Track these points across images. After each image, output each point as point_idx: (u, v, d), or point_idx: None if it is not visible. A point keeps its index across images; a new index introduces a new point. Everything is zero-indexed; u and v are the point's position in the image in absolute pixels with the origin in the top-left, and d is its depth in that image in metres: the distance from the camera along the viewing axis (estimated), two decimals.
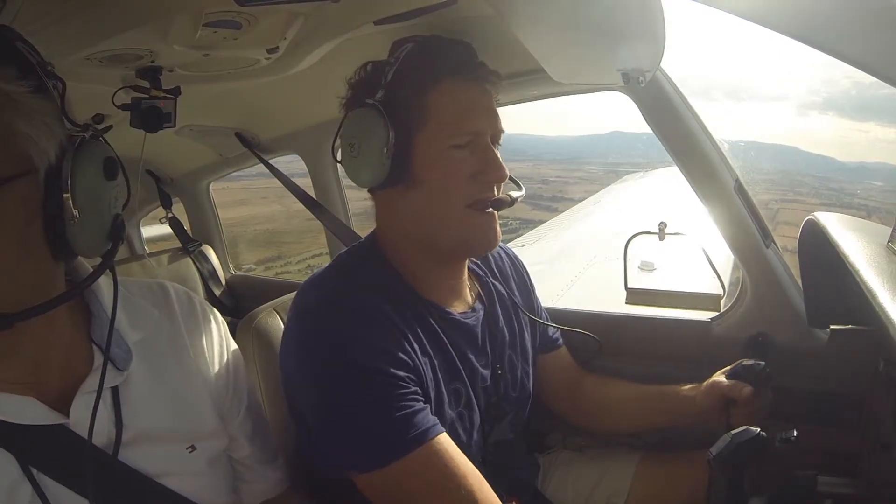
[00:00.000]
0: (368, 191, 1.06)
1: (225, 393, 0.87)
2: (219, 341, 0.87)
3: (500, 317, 1.14)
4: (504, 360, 1.12)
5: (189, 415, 0.80)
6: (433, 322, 1.00)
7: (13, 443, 0.65)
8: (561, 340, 1.33)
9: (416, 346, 0.94)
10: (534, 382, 1.19)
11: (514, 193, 1.05)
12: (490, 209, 0.99)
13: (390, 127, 0.94)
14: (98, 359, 0.72)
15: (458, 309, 1.07)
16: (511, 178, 1.12)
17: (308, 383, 0.92)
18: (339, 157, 1.03)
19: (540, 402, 1.28)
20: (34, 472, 0.66)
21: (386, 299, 0.95)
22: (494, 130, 1.01)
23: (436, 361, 0.97)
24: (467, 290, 1.11)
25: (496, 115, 1.02)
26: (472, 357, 1.05)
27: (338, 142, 1.04)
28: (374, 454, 0.85)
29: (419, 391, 0.90)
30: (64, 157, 0.62)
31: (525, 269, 1.28)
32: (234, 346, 0.91)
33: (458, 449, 0.88)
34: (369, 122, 0.95)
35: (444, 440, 0.87)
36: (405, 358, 0.90)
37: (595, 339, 1.35)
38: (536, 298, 1.28)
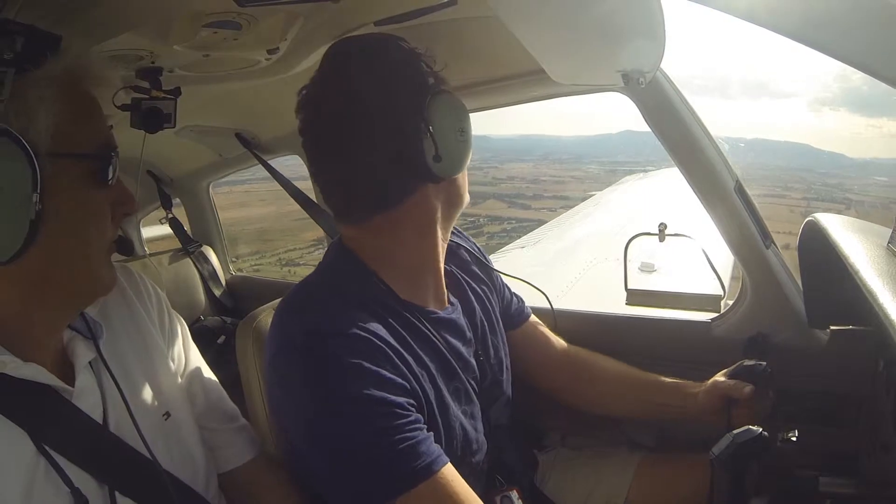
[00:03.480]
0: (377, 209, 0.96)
1: (173, 352, 0.91)
2: (158, 304, 0.93)
3: (476, 305, 1.14)
4: (488, 347, 1.12)
5: (156, 379, 0.85)
6: (422, 326, 0.98)
7: (25, 418, 0.68)
8: (527, 312, 1.32)
9: (410, 360, 0.91)
10: (511, 360, 1.19)
11: None
12: None
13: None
14: (67, 332, 0.78)
15: (439, 306, 1.05)
16: None
17: (304, 419, 0.88)
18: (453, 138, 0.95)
19: (532, 388, 1.27)
20: (47, 448, 0.68)
21: (370, 313, 0.91)
22: None
23: (432, 368, 0.95)
24: (444, 287, 1.09)
25: None
26: (462, 351, 1.04)
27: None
28: (380, 488, 0.83)
29: (421, 418, 0.87)
30: None
31: (479, 248, 1.27)
32: (174, 312, 0.96)
33: (462, 480, 0.86)
34: (461, 107, 0.97)
35: (450, 470, 0.85)
36: (402, 382, 0.87)
37: (540, 291, 1.37)
38: (497, 276, 1.27)
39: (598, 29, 0.93)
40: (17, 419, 0.67)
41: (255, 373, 1.10)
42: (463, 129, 0.96)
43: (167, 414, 0.83)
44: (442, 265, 1.06)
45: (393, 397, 0.84)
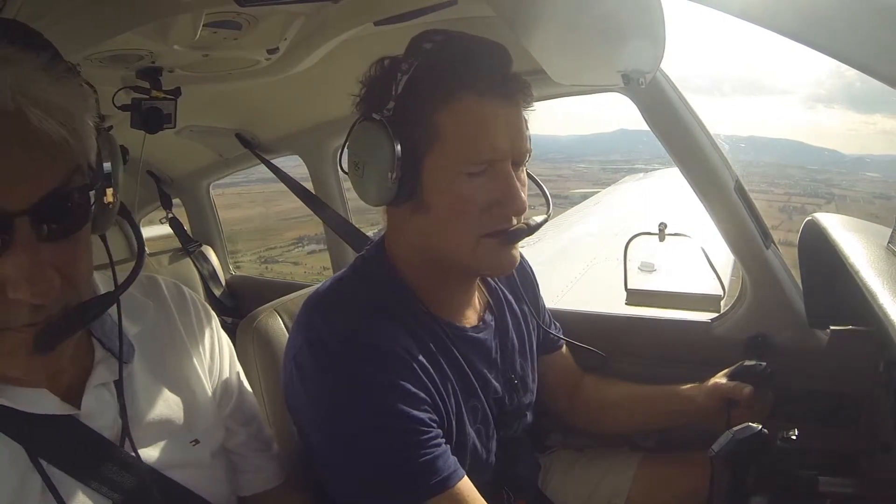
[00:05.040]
0: None
1: (218, 381, 0.88)
2: (209, 331, 0.89)
3: (511, 325, 1.12)
4: (516, 369, 1.10)
5: (189, 405, 0.81)
6: (448, 341, 0.97)
7: (22, 434, 0.66)
8: (561, 342, 1.32)
9: (435, 375, 0.90)
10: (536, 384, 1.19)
11: (537, 218, 0.96)
12: (504, 241, 0.92)
13: (397, 148, 0.86)
14: (100, 352, 0.73)
15: (469, 322, 1.04)
16: (545, 197, 1.07)
17: (324, 421, 0.88)
18: (346, 168, 0.96)
19: (540, 401, 1.28)
20: (43, 463, 0.67)
21: (401, 324, 0.91)
22: (517, 153, 0.90)
23: (454, 382, 0.95)
24: (477, 302, 1.08)
25: (521, 136, 0.91)
26: (485, 371, 1.03)
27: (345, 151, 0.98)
28: (395, 497, 0.84)
29: (440, 433, 0.87)
30: (100, 148, 0.63)
31: (531, 268, 1.27)
32: (224, 335, 0.92)
33: (477, 494, 0.87)
34: (375, 140, 0.87)
35: (465, 486, 0.86)
36: (425, 397, 0.87)
37: (600, 354, 1.33)
38: (541, 298, 1.27)
39: (599, 29, 0.93)
40: (12, 434, 0.65)
41: (256, 372, 1.10)
42: (358, 164, 0.91)
43: (196, 441, 0.80)
44: (474, 285, 1.05)
45: (416, 413, 0.84)
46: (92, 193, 0.61)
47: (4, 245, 0.55)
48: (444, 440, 0.87)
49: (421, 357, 0.89)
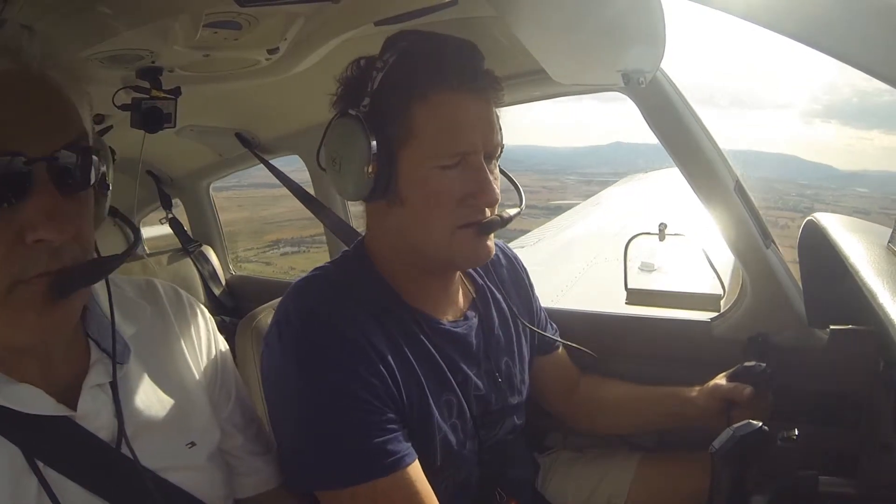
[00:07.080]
0: None
1: (215, 384, 0.88)
2: (206, 335, 0.89)
3: (497, 323, 1.12)
4: (501, 367, 1.10)
5: (185, 407, 0.81)
6: (421, 334, 0.98)
7: (19, 435, 0.66)
8: (558, 343, 1.31)
9: (395, 365, 0.91)
10: (529, 385, 1.18)
11: (511, 211, 1.00)
12: (479, 233, 0.94)
13: (372, 142, 0.88)
14: (95, 353, 0.74)
15: (449, 317, 1.04)
16: (517, 190, 1.10)
17: (284, 398, 0.91)
18: (324, 165, 0.99)
19: (539, 402, 1.27)
20: (40, 464, 0.67)
21: (371, 313, 0.93)
22: (489, 147, 0.93)
23: (422, 376, 0.95)
24: (460, 298, 1.09)
25: (492, 130, 0.94)
26: (463, 366, 1.03)
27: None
28: (346, 474, 0.85)
29: (395, 417, 0.89)
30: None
31: (525, 269, 1.26)
32: (221, 339, 0.92)
33: (425, 479, 0.89)
34: (351, 135, 0.90)
35: (415, 469, 0.88)
36: (380, 384, 0.88)
37: (591, 354, 1.32)
38: (536, 299, 1.26)
39: (599, 29, 0.94)
40: (8, 435, 0.65)
41: (255, 372, 1.11)
42: (335, 159, 0.95)
43: (192, 444, 0.80)
44: (453, 280, 1.06)
45: (367, 395, 0.86)
46: (95, 158, 0.66)
47: (25, 189, 0.59)
48: (398, 426, 0.89)
49: (381, 345, 0.91)
